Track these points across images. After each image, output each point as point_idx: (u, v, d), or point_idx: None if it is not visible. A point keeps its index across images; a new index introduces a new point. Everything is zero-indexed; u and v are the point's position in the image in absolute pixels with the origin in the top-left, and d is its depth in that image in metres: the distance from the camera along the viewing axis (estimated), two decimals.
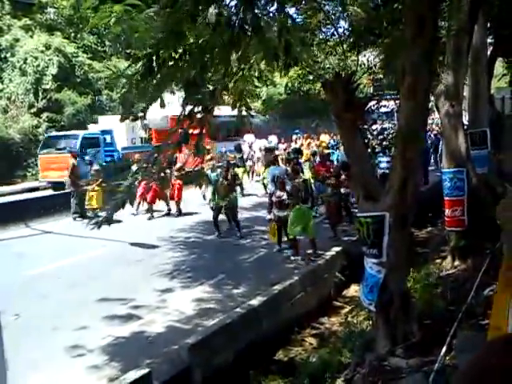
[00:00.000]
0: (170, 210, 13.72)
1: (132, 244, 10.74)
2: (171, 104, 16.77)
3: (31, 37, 21.53)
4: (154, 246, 10.62)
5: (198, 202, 14.18)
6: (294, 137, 21.59)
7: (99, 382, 5.37)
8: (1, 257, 10.02)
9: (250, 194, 16.03)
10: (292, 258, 9.61)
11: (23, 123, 19.82)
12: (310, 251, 9.51)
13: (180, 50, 3.98)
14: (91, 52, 24.23)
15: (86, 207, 13.06)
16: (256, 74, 5.07)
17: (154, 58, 3.94)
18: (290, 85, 22.69)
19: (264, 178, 15.90)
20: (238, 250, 10.26)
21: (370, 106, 11.85)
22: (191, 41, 3.92)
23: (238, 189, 13.06)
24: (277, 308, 7.20)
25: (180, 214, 13.61)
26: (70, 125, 20.62)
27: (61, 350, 6.09)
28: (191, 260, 9.80)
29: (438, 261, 8.38)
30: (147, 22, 4.00)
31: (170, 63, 4.07)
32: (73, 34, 23.92)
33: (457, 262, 7.85)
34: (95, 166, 13.66)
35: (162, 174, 5.58)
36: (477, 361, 0.51)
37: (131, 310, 7.31)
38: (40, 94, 20.76)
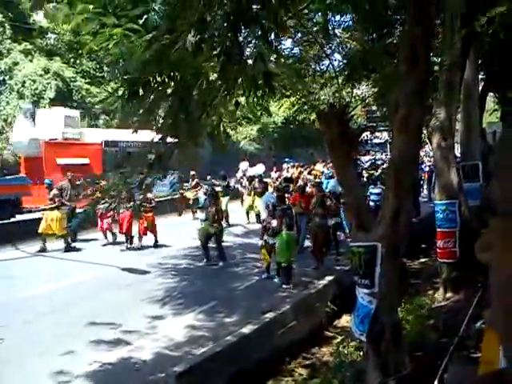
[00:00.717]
0: (156, 241, 13.00)
1: (123, 269, 10.67)
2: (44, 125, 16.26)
3: (31, 61, 21.76)
4: (144, 272, 10.55)
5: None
6: (285, 165, 21.58)
7: None
8: None
9: (235, 224, 15.82)
10: (284, 286, 9.57)
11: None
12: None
13: (163, 75, 4.01)
14: (89, 77, 24.49)
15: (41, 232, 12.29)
16: (235, 103, 5.06)
17: (138, 81, 3.97)
18: (285, 114, 22.79)
19: (251, 207, 15.96)
20: (229, 277, 10.20)
21: (364, 137, 12.00)
22: (174, 65, 3.94)
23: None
24: (268, 337, 7.13)
25: (138, 246, 12.78)
26: None
27: (45, 376, 5.95)
28: (182, 286, 9.72)
29: (430, 292, 8.38)
30: (145, 46, 4.08)
31: (156, 87, 4.11)
32: (72, 60, 24.21)
33: (449, 294, 7.85)
34: (54, 191, 12.62)
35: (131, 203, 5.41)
36: None
37: (120, 335, 7.21)
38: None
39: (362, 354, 6.10)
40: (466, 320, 5.81)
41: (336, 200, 11.50)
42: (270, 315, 7.56)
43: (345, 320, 8.68)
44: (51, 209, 12.38)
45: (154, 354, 6.68)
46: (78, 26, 4.36)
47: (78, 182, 13.10)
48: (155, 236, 12.78)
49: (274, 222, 9.78)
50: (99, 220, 12.78)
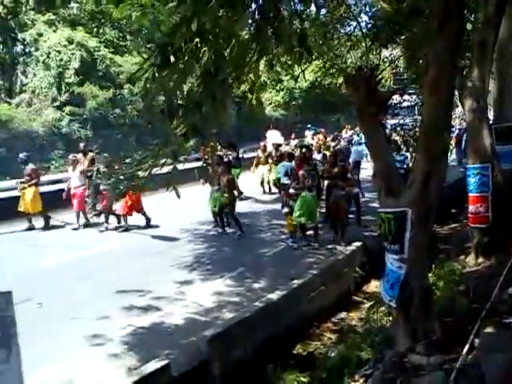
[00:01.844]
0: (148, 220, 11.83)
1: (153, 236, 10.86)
2: None
3: (54, 31, 21.78)
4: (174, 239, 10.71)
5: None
6: (307, 132, 21.05)
7: (118, 371, 5.42)
8: (20, 248, 10.23)
9: (248, 198, 14.91)
10: (295, 245, 9.86)
11: (46, 116, 20.11)
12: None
13: (196, 39, 3.85)
14: (113, 46, 24.41)
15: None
16: (270, 65, 4.84)
17: (169, 47, 3.83)
18: (310, 79, 22.14)
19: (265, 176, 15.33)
20: (257, 244, 10.27)
21: (392, 101, 11.66)
22: (207, 27, 3.77)
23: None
24: (296, 302, 7.19)
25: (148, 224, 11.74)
26: (91, 118, 20.87)
27: (80, 339, 6.16)
28: (211, 253, 9.84)
29: (461, 258, 8.27)
30: (170, 15, 3.99)
31: (187, 52, 3.96)
32: (95, 29, 24.14)
33: (480, 259, 7.73)
34: (31, 165, 11.86)
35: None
36: None
37: (151, 301, 7.37)
38: (63, 87, 21.02)
39: (391, 319, 6.11)
40: (498, 285, 5.72)
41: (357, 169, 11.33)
42: (297, 281, 7.61)
43: (373, 285, 8.70)
44: (29, 185, 11.56)
45: (185, 320, 6.82)
46: None
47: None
48: (144, 215, 11.64)
49: (293, 184, 9.93)
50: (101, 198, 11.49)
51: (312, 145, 15.71)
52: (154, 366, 5.22)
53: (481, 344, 4.21)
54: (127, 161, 4.54)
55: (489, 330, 4.66)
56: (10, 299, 3.48)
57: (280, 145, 16.21)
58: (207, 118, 4.14)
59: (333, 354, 6.25)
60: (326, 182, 11.65)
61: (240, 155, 15.74)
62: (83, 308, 7.02)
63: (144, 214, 11.61)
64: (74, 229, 11.80)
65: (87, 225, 12.01)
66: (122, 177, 4.42)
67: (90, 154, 12.06)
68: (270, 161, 15.23)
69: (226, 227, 11.28)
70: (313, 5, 5.07)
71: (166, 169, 4.42)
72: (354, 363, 5.59)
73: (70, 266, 8.98)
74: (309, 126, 22.54)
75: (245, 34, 4.54)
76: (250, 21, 3.93)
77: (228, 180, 10.74)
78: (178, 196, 4.25)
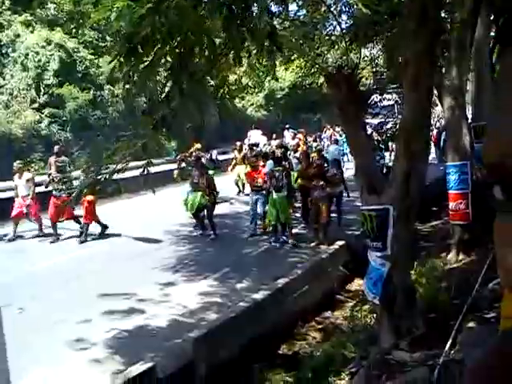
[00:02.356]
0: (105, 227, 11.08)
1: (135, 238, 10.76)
2: None
3: (32, 32, 21.46)
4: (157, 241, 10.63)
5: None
6: (286, 133, 20.92)
7: (102, 375, 5.36)
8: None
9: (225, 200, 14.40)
10: (277, 245, 10.01)
11: (25, 118, 19.79)
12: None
13: (162, 31, 3.76)
14: (92, 47, 24.14)
15: None
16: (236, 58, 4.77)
17: (134, 36, 3.74)
18: (292, 79, 22.17)
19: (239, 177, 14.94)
20: (241, 244, 10.27)
21: (372, 100, 11.74)
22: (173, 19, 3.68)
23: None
24: (281, 302, 7.20)
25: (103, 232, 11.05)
26: (71, 120, 20.60)
27: (63, 343, 6.07)
28: (194, 254, 9.79)
29: (442, 254, 8.37)
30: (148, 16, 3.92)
31: (155, 43, 3.88)
32: (74, 30, 23.83)
33: (461, 256, 7.84)
34: None
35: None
36: (490, 357, 0.49)
37: (134, 304, 7.31)
38: (42, 89, 20.71)
39: (375, 317, 6.15)
40: (478, 281, 5.81)
41: (338, 168, 11.30)
42: (281, 281, 7.62)
43: (357, 284, 8.75)
44: None
45: (170, 321, 6.79)
46: None
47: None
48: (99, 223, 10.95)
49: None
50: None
51: (292, 145, 15.73)
52: (139, 368, 5.17)
53: (463, 339, 4.27)
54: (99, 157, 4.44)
55: (470, 325, 4.73)
56: None
57: (255, 145, 15.88)
58: (177, 112, 4.10)
59: (318, 353, 6.27)
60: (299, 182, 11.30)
61: (214, 157, 15.33)
62: (65, 313, 6.90)
63: (98, 222, 10.92)
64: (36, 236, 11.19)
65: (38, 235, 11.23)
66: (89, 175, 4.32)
67: (58, 159, 11.11)
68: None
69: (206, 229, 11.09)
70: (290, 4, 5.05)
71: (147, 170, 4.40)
72: (339, 361, 5.61)
73: (50, 271, 8.84)
74: (287, 126, 22.49)
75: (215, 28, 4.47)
76: (218, 14, 3.88)
77: (207, 180, 10.61)
78: (154, 192, 4.20)
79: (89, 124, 21.18)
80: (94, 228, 10.97)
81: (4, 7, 21.19)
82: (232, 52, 4.31)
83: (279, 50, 4.26)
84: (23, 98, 20.61)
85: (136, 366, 5.21)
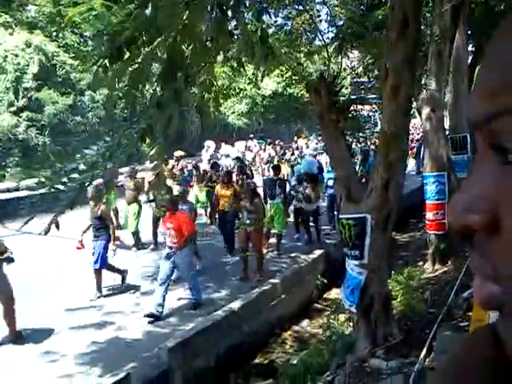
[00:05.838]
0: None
1: None
2: None
3: (11, 34, 21.18)
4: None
5: None
6: (250, 142, 20.48)
7: None
8: None
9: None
10: None
11: (2, 122, 19.46)
12: None
13: (150, 29, 3.63)
14: (73, 52, 23.91)
15: None
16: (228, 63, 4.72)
17: (119, 36, 3.61)
18: (273, 88, 22.24)
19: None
20: (219, 253, 10.18)
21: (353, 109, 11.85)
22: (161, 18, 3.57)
23: None
24: (258, 311, 7.16)
25: None
26: (50, 124, 20.31)
27: (33, 357, 5.90)
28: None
29: (419, 264, 8.44)
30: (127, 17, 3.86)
31: (142, 46, 3.76)
32: (54, 33, 23.59)
33: (437, 266, 7.91)
34: None
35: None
36: (459, 352, 0.47)
37: (106, 316, 7.16)
38: (20, 92, 20.41)
39: (351, 325, 6.16)
40: (453, 290, 5.87)
41: (312, 181, 10.40)
42: (259, 289, 7.58)
43: (334, 292, 8.75)
44: None
45: (144, 331, 6.67)
46: None
47: None
48: None
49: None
50: None
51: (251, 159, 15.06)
52: (113, 379, 5.07)
53: (437, 347, 4.30)
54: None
55: (445, 333, 4.76)
56: None
57: (181, 157, 14.16)
58: (169, 119, 4.00)
59: (295, 362, 6.24)
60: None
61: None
62: (32, 325, 6.65)
63: None
64: None
65: None
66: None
67: None
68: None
69: None
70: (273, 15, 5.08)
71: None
72: (316, 369, 5.59)
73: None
74: (251, 135, 21.44)
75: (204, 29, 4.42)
76: (208, 16, 3.85)
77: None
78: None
79: (68, 129, 20.94)
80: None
81: None
82: (220, 53, 4.27)
83: (271, 51, 4.25)
84: (1, 101, 20.30)
85: (109, 377, 5.12)
